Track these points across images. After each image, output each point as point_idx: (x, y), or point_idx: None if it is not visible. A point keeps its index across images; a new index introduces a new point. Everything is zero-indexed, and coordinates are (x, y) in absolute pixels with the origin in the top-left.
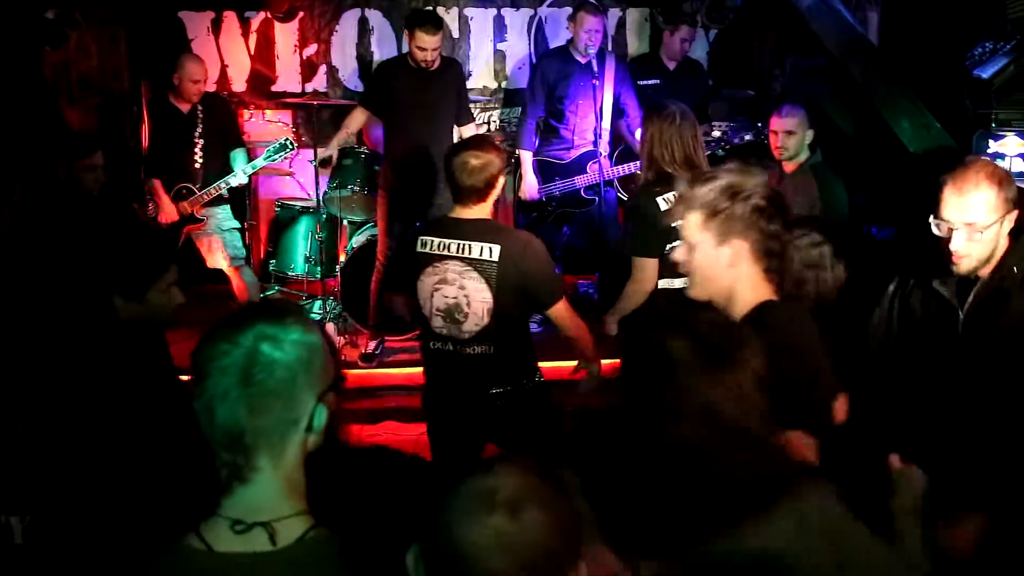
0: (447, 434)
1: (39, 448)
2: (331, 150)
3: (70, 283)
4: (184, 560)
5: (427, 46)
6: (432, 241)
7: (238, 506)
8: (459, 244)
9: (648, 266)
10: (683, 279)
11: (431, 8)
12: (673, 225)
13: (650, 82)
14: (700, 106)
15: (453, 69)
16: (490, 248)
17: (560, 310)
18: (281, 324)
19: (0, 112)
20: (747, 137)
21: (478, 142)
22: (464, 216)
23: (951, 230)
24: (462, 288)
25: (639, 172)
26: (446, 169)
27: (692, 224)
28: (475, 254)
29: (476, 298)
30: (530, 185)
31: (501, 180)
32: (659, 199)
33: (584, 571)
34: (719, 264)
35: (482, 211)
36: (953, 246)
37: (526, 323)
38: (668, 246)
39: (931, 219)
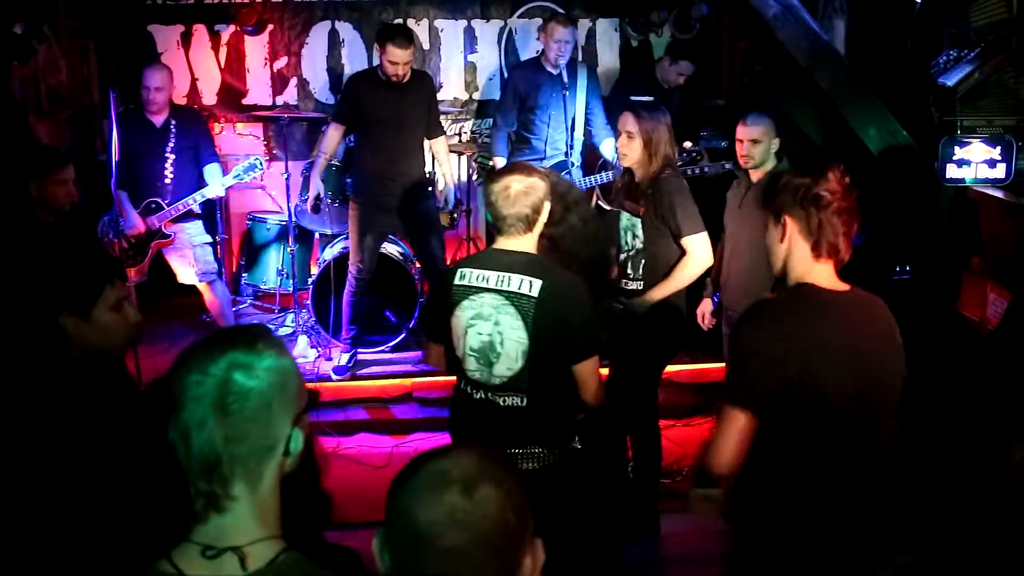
0: None
1: None
2: (316, 187)
3: (18, 302)
4: None
5: (398, 60)
6: (471, 273)
7: (210, 533)
8: (499, 276)
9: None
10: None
11: (401, 20)
12: None
13: (643, 99)
14: (690, 120)
15: (424, 82)
16: (532, 282)
17: (590, 368)
18: (253, 351)
19: None
20: (727, 166)
21: (522, 167)
22: (507, 247)
23: None
24: (497, 324)
25: (613, 181)
26: (486, 197)
27: None
28: (514, 287)
29: (510, 337)
30: None
31: (546, 206)
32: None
33: (540, 550)
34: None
35: (528, 243)
36: None
37: (568, 376)
38: None
39: None
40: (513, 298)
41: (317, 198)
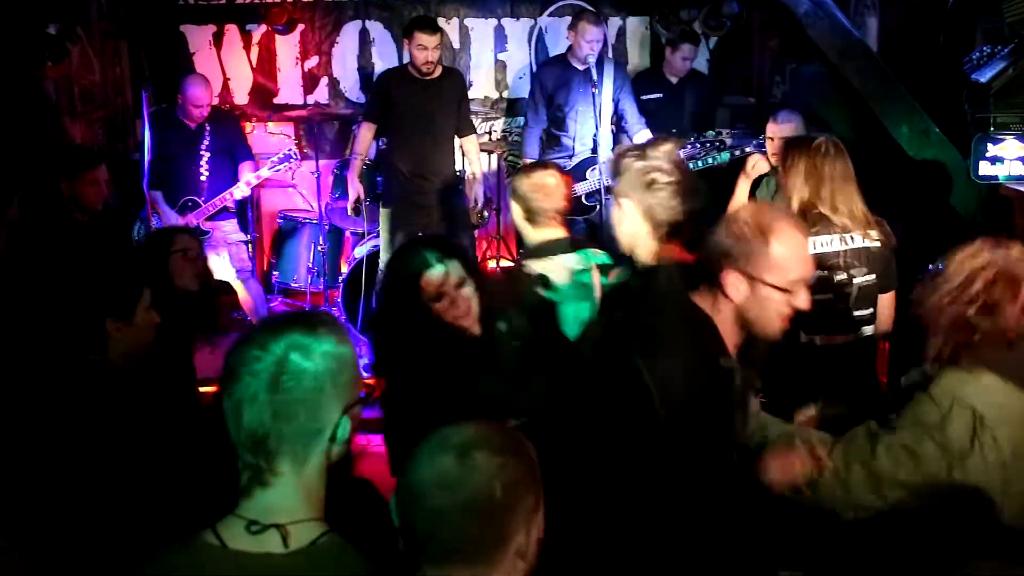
0: None
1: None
2: (356, 188)
3: (61, 306)
4: (198, 554)
5: (428, 44)
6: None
7: (255, 507)
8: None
9: None
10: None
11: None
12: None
13: (652, 96)
14: (705, 115)
15: (454, 78)
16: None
17: None
18: (313, 335)
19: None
20: (748, 149)
21: (545, 164)
22: (555, 237)
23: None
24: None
25: None
26: (517, 193)
27: None
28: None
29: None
30: None
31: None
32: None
33: (536, 530)
34: None
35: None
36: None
37: None
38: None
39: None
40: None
41: (357, 200)
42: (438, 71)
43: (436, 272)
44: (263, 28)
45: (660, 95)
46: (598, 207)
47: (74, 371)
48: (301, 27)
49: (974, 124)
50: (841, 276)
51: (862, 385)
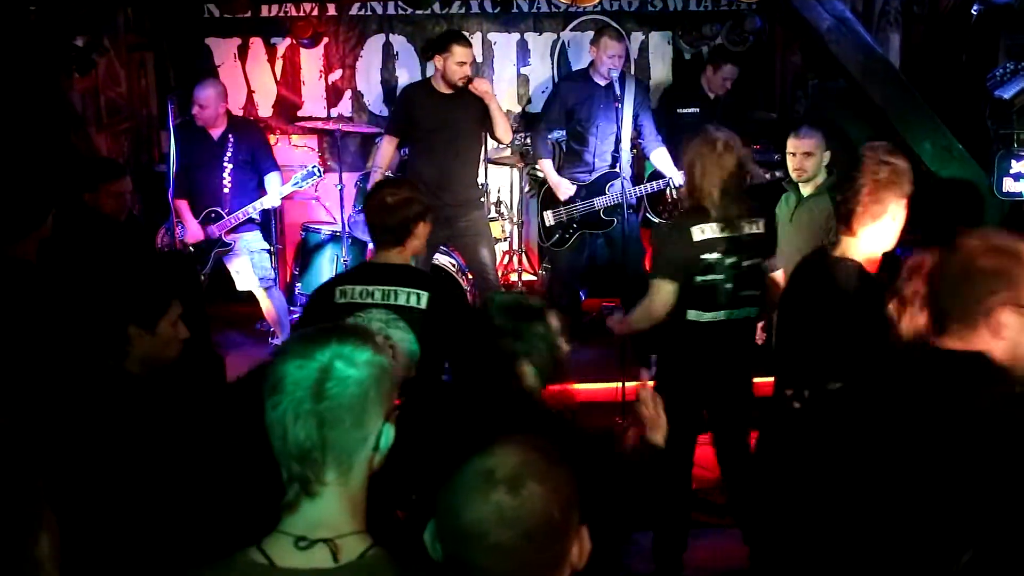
0: None
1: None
2: None
3: (86, 312)
4: (244, 573)
5: (466, 59)
6: (352, 289)
7: (301, 522)
8: (383, 291)
9: (664, 289)
10: (714, 313)
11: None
12: (704, 257)
13: (689, 111)
14: (738, 131)
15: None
16: (419, 295)
17: None
18: (355, 343)
19: (30, 142)
20: (777, 174)
21: (396, 182)
22: (387, 261)
23: None
24: (387, 339)
25: (665, 191)
26: (364, 208)
27: None
28: (401, 301)
29: (400, 350)
30: (562, 185)
31: (422, 225)
32: (694, 228)
33: (585, 537)
34: None
35: (403, 256)
36: None
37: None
38: (699, 278)
39: None
40: (402, 312)
41: None
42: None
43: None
44: (288, 41)
45: (697, 109)
46: (616, 222)
47: (86, 376)
48: (325, 41)
49: (997, 140)
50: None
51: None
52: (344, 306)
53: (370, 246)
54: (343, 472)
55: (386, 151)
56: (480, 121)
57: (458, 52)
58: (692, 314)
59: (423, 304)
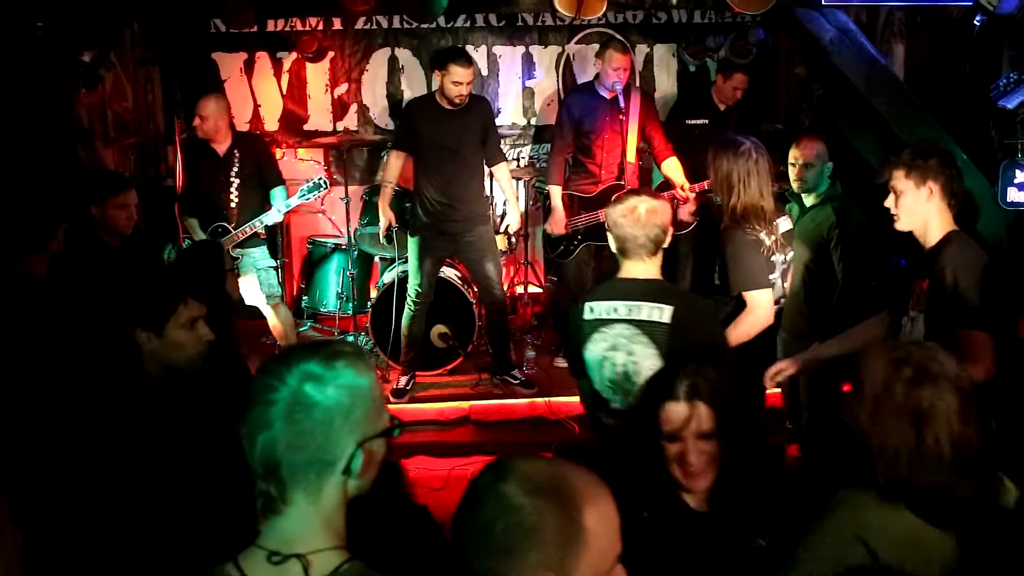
0: None
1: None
2: (387, 216)
3: (92, 319)
4: None
5: (462, 79)
6: (599, 305)
7: (275, 537)
8: (628, 306)
9: (766, 298)
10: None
11: (460, 46)
12: (772, 260)
13: (699, 122)
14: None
15: (480, 106)
16: (661, 309)
17: None
18: (331, 367)
19: (38, 157)
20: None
21: (639, 191)
22: (635, 275)
23: None
24: (631, 354)
25: (672, 201)
26: (610, 221)
27: (896, 175)
28: (643, 316)
29: (646, 365)
30: (558, 219)
31: (669, 231)
32: (762, 235)
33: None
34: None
35: (653, 268)
36: None
37: None
38: (771, 277)
39: None
40: (645, 327)
41: (389, 227)
42: (465, 99)
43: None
44: (293, 56)
45: (707, 120)
46: None
47: (99, 382)
48: (331, 55)
49: (1001, 150)
50: None
51: None
52: (591, 322)
53: (376, 259)
54: (311, 493)
55: (394, 165)
56: (483, 136)
57: (454, 72)
58: None
59: (666, 318)
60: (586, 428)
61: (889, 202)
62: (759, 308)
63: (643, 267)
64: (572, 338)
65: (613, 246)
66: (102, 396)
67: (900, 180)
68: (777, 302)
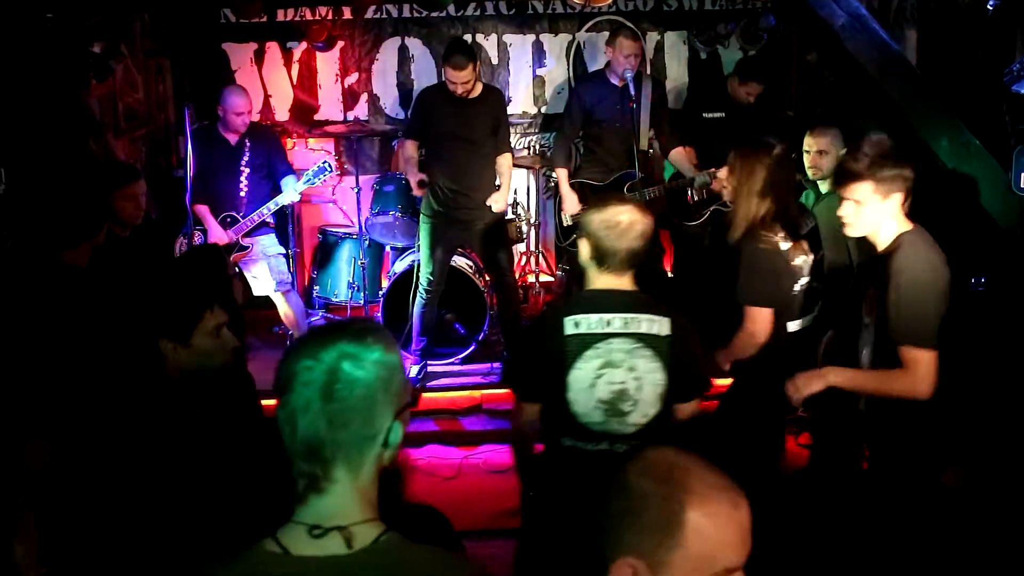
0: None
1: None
2: (416, 175)
3: (120, 327)
4: (261, 563)
5: (457, 80)
6: (587, 319)
7: (314, 513)
8: (624, 318)
9: (762, 316)
10: (802, 320)
11: (470, 36)
12: (795, 263)
13: (715, 115)
14: (763, 133)
15: (493, 97)
16: (661, 321)
17: (695, 409)
18: (363, 343)
19: (50, 149)
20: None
21: (622, 199)
22: (617, 287)
23: None
24: (632, 370)
25: (687, 190)
26: (591, 230)
27: (862, 189)
28: (644, 328)
29: (649, 381)
30: (571, 202)
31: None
32: (780, 242)
33: None
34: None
35: (631, 282)
36: None
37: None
38: (795, 286)
39: None
40: (647, 340)
41: (421, 183)
42: (478, 89)
43: None
44: (303, 45)
45: (723, 114)
46: None
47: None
48: (341, 44)
49: (1015, 136)
50: None
51: None
52: (579, 338)
53: (387, 249)
54: (352, 469)
55: (411, 155)
56: (494, 127)
57: (448, 73)
58: (791, 325)
59: (667, 331)
60: None
61: (844, 211)
62: (754, 323)
63: (625, 280)
64: (547, 357)
65: (586, 254)
66: (135, 391)
67: (862, 192)
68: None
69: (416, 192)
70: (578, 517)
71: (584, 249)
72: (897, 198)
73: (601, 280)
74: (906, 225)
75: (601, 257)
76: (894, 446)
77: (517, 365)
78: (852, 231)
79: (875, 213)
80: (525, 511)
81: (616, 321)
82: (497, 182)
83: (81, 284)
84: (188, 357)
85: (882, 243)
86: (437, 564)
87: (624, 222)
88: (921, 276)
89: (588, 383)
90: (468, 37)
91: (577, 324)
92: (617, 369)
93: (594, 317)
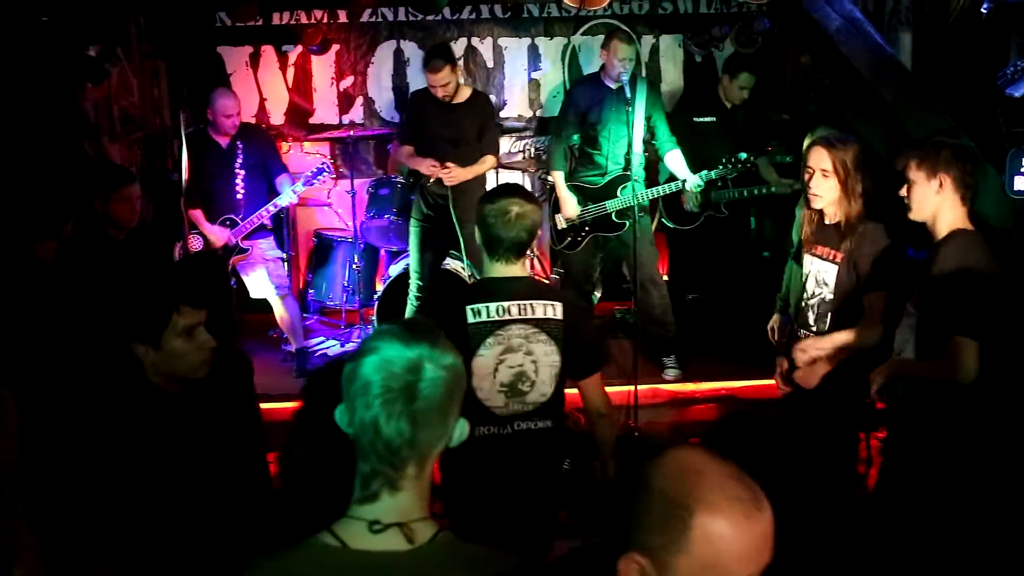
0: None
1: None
2: (414, 163)
3: (92, 332)
4: (318, 555)
5: (435, 83)
6: (486, 308)
7: (372, 509)
8: (520, 305)
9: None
10: None
11: (465, 39)
12: None
13: (706, 119)
14: (755, 137)
15: (479, 103)
16: (553, 306)
17: (598, 381)
18: (439, 346)
19: (45, 151)
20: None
21: (514, 190)
22: (511, 274)
23: None
24: (529, 354)
25: (680, 193)
26: (481, 219)
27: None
28: (539, 313)
29: (544, 363)
30: (570, 204)
31: (538, 233)
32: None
33: None
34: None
35: (523, 269)
36: None
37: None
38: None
39: None
40: (542, 324)
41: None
42: (464, 94)
43: None
44: (299, 49)
45: (714, 119)
46: (627, 224)
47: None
48: (336, 48)
49: (1008, 139)
50: None
51: None
52: (480, 326)
53: (382, 253)
54: (422, 466)
55: (409, 151)
56: (479, 132)
57: (427, 76)
58: None
59: (559, 314)
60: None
61: (903, 191)
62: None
63: (516, 267)
64: None
65: (478, 239)
66: (104, 392)
67: (912, 170)
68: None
69: (430, 171)
70: (499, 500)
71: (476, 236)
72: (945, 183)
73: (495, 268)
74: (964, 223)
75: (489, 245)
76: (930, 432)
77: None
78: (911, 214)
79: (924, 195)
80: (445, 500)
81: (513, 308)
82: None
83: (44, 278)
84: (161, 359)
85: (938, 234)
86: (491, 560)
87: (513, 212)
88: (974, 265)
89: (491, 369)
90: (463, 40)
91: (477, 313)
92: (516, 353)
93: (493, 306)
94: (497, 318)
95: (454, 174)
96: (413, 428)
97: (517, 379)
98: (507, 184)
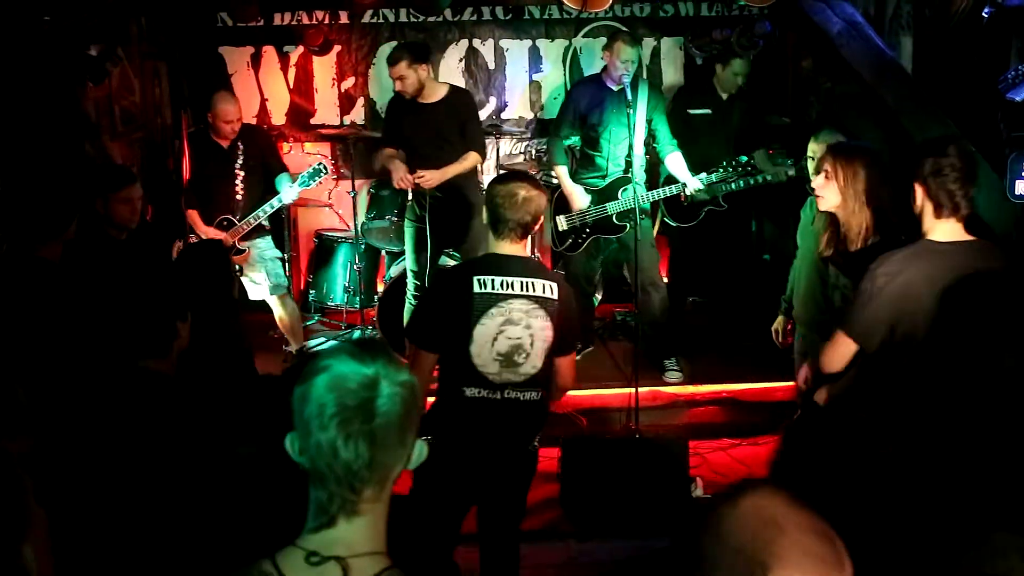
0: (457, 488)
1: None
2: (398, 166)
3: (97, 343)
4: None
5: (392, 77)
6: (492, 280)
7: (317, 539)
8: (522, 282)
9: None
10: None
11: (467, 40)
12: None
13: (701, 112)
14: (751, 132)
15: (456, 99)
16: (551, 286)
17: (573, 360)
18: (393, 364)
19: (47, 151)
20: (790, 172)
21: (523, 176)
22: (515, 253)
23: None
24: (528, 328)
25: (680, 195)
26: (490, 200)
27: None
28: (539, 292)
29: (540, 337)
30: (580, 197)
31: (542, 219)
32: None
33: None
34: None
35: (525, 249)
36: None
37: None
38: None
39: None
40: (541, 302)
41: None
42: (438, 93)
43: None
44: (300, 49)
45: (709, 111)
46: (628, 227)
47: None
48: (338, 48)
49: (1009, 143)
50: None
51: None
52: (484, 296)
53: (383, 253)
54: (381, 488)
55: (390, 153)
56: (461, 128)
57: (388, 70)
58: None
59: (556, 294)
60: (594, 423)
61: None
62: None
63: (518, 247)
64: (454, 312)
65: (485, 219)
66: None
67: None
68: None
69: (400, 184)
70: (483, 457)
71: (484, 216)
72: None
73: (500, 246)
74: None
75: (496, 224)
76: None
77: (422, 317)
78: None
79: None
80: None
81: (516, 284)
82: (482, 184)
83: (51, 278)
84: (162, 367)
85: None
86: None
87: (521, 196)
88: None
89: (491, 338)
90: (465, 42)
91: (483, 284)
92: (516, 326)
93: (498, 279)
94: (501, 291)
95: (427, 178)
96: (372, 449)
97: (514, 351)
98: (517, 170)
